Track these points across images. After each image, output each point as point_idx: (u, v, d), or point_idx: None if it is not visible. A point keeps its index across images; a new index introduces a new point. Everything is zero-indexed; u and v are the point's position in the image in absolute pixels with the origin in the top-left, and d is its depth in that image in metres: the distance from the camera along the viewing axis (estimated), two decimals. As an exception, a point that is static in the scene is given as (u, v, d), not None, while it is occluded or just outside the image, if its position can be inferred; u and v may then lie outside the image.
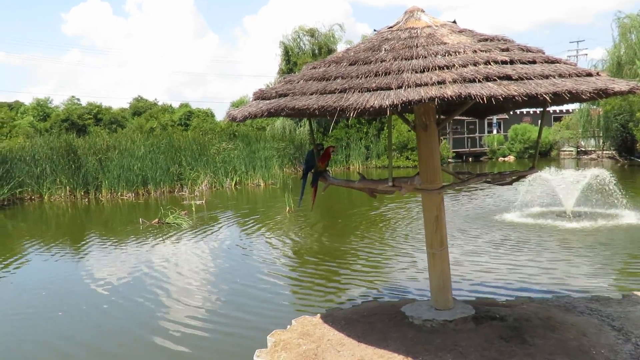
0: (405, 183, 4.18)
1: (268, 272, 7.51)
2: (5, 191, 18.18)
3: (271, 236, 10.32)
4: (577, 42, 52.21)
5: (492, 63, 3.58)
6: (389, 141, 4.24)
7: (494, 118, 36.08)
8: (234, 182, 22.23)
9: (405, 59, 3.78)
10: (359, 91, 3.55)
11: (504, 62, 3.62)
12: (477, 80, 3.39)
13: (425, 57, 3.72)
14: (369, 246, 8.95)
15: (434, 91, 3.36)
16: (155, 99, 52.82)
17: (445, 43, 3.88)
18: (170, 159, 20.85)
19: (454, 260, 7.11)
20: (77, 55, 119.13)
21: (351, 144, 32.99)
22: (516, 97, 3.25)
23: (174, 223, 12.17)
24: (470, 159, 33.77)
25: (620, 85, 3.39)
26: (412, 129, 4.41)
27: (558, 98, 3.35)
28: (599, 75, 3.59)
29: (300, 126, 34.61)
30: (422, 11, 4.20)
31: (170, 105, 48.75)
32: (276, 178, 23.03)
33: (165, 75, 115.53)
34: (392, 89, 3.46)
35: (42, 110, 45.28)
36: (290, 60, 34.15)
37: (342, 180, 4.76)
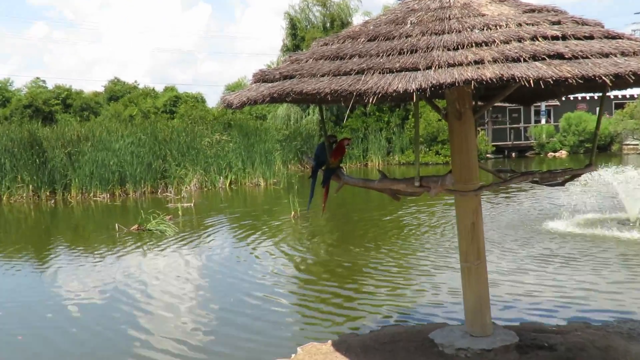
0: (434, 183, 4.17)
1: (269, 290, 7.53)
2: (-45, 191, 18.93)
3: (273, 247, 10.33)
4: (644, 13, 52.04)
5: (540, 39, 3.57)
6: (415, 133, 4.23)
7: (543, 105, 35.67)
8: (228, 181, 22.23)
9: (436, 34, 3.78)
10: (379, 72, 3.54)
11: (554, 38, 3.60)
12: (522, 59, 3.37)
13: (460, 32, 3.71)
14: (390, 259, 8.95)
15: (470, 72, 3.34)
16: (136, 82, 53.31)
17: (483, 15, 3.86)
18: (153, 153, 20.81)
19: (491, 278, 7.02)
20: (43, 29, 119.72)
21: (369, 136, 32.66)
22: (569, 80, 3.23)
23: (156, 230, 12.25)
24: (513, 154, 33.59)
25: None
26: (443, 118, 4.38)
27: (620, 81, 3.31)
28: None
29: (309, 114, 34.05)
30: (456, -24, 4.32)
31: (153, 89, 48.97)
32: (279, 176, 22.98)
33: (147, 54, 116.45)
34: (419, 69, 3.45)
35: (0, 94, 46.12)
36: (297, 35, 33.97)
37: (359, 180, 4.77)
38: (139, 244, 11.16)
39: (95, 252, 10.53)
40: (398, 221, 12.50)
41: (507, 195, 15.86)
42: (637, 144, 32.47)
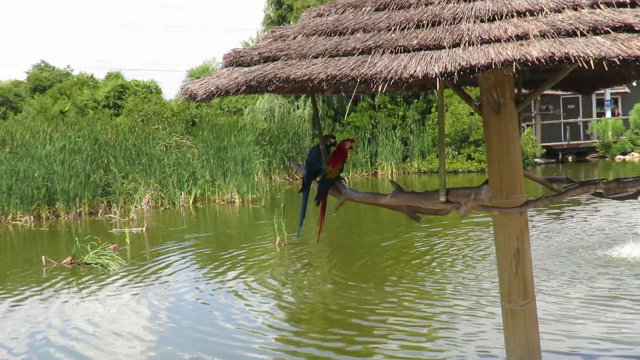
0: (466, 198, 4.16)
1: (245, 346, 7.47)
2: None
3: (250, 286, 10.32)
4: None
5: (602, 5, 3.60)
6: (440, 131, 4.23)
7: (607, 93, 35.68)
8: (192, 197, 22.32)
9: (465, 0, 3.81)
10: (391, 52, 3.55)
11: (620, 5, 3.63)
12: (578, 32, 3.39)
13: (497, -2, 3.92)
14: (406, 301, 8.96)
15: (510, 51, 3.35)
16: (68, 67, 53.31)
17: (527, -26, 4.04)
18: (91, 161, 20.84)
19: (540, 319, 7.02)
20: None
21: (379, 136, 33.20)
22: (642, 60, 3.40)
23: (96, 264, 12.24)
24: (569, 157, 33.98)
25: None
26: (476, 112, 4.38)
27: None
28: None
29: (298, 108, 34.32)
30: None
31: (92, 77, 49.07)
32: (260, 191, 22.96)
33: (83, 30, 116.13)
34: (443, 47, 3.47)
35: None
36: (283, 4, 34.30)
37: (366, 194, 4.74)
38: (72, 282, 11.09)
39: (13, 294, 10.42)
40: (417, 248, 12.40)
41: (560, 211, 15.82)
42: None
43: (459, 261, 11.10)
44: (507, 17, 3.59)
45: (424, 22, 3.74)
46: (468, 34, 3.51)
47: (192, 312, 9.20)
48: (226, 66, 4.27)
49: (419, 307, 8.74)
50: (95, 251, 12.58)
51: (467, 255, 11.48)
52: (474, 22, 3.60)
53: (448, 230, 14.04)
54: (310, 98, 4.51)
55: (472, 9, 3.71)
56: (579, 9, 3.60)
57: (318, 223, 5.18)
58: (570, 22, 3.45)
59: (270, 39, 4.34)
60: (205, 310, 9.19)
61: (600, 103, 36.64)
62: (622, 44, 3.30)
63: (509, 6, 3.67)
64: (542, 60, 3.25)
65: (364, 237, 14.40)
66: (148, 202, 21.11)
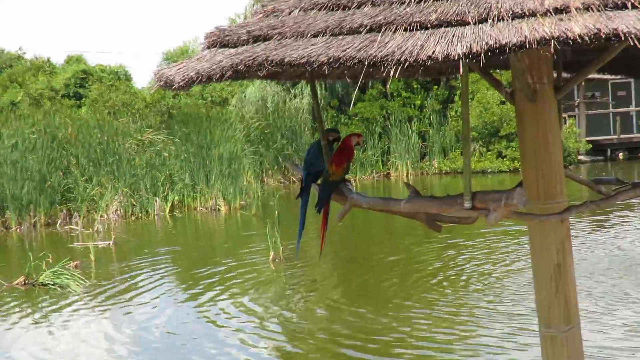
0: (496, 203, 4.10)
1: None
2: None
3: (238, 313, 10.30)
4: None
5: (658, -28, 3.72)
6: (464, 124, 4.17)
7: (665, 77, 36.20)
8: (169, 204, 22.45)
9: (493, -33, 3.97)
10: (405, 29, 3.54)
11: (681, -29, 3.75)
12: (629, 4, 3.37)
13: (531, -37, 3.90)
14: (420, 329, 8.92)
15: (548, 27, 3.36)
16: (20, 50, 53.67)
17: None
18: (48, 162, 20.88)
19: (586, 345, 7.05)
20: None
21: (392, 130, 33.34)
22: None
23: (54, 284, 12.25)
24: (620, 154, 34.03)
25: None
26: (507, 100, 4.37)
27: None
28: None
29: (295, 97, 34.57)
30: None
31: (48, 61, 49.41)
32: (250, 197, 23.16)
33: (38, 7, 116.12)
34: (468, 23, 3.45)
35: None
36: (275, -27, 36.68)
37: (377, 200, 4.69)
38: (26, 306, 11.08)
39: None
40: (434, 263, 12.44)
41: (605, 217, 15.86)
42: None
43: (485, 279, 11.10)
44: (544, -13, 3.72)
45: (444, -7, 3.88)
46: (497, 7, 3.48)
47: (164, 343, 9.11)
48: (209, 47, 4.31)
49: (434, 338, 8.68)
50: (53, 269, 12.58)
51: (494, 273, 11.45)
52: (504, -7, 3.76)
53: (471, 242, 14.01)
54: (309, 85, 4.55)
55: (501, -23, 3.86)
56: (629, -23, 3.67)
57: (320, 235, 5.21)
58: (620, -9, 3.60)
59: (261, 15, 4.35)
60: (176, 343, 9.12)
61: (657, 89, 38.37)
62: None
63: (546, -26, 3.80)
64: (586, 38, 3.21)
65: (372, 251, 14.49)
66: (116, 210, 21.13)
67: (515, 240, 13.70)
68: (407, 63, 3.54)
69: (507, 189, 4.10)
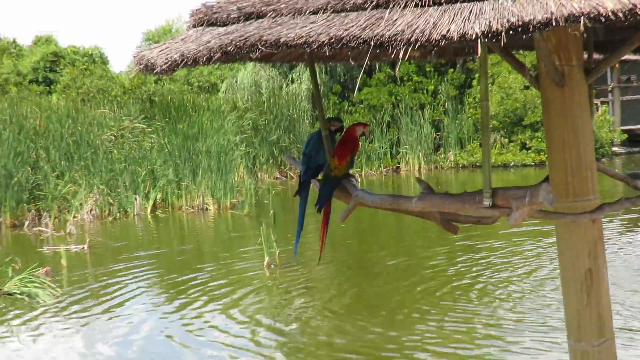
0: (519, 200, 4.09)
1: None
2: None
3: (231, 326, 10.29)
4: None
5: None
6: (483, 111, 4.19)
7: None
8: (150, 203, 22.47)
9: None
10: (416, 4, 3.53)
11: None
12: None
13: None
14: (436, 343, 8.89)
15: (577, 2, 3.38)
16: (-19, 29, 53.67)
17: None
18: (14, 155, 20.87)
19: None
20: None
21: (402, 119, 33.50)
22: None
23: (21, 294, 12.24)
24: (659, 145, 36.02)
25: None
26: (532, 85, 4.35)
27: None
28: None
29: (292, 82, 34.98)
30: None
31: (14, 42, 49.55)
32: (242, 194, 23.24)
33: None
34: (486, -2, 3.62)
35: None
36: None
37: (385, 197, 4.69)
38: (-9, 319, 11.72)
39: None
40: (447, 268, 12.45)
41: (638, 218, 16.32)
42: None
43: (506, 288, 11.07)
44: (573, -43, 3.69)
45: (461, -36, 3.87)
46: (520, -20, 3.67)
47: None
48: (194, 26, 4.29)
49: (449, 354, 8.66)
50: (20, 277, 12.58)
51: (516, 280, 11.43)
52: (528, -37, 3.74)
53: (491, 244, 14.03)
54: (308, 69, 4.57)
55: (525, -55, 3.84)
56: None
57: (320, 237, 5.22)
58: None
59: (253, -10, 4.39)
60: None
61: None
62: None
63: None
64: (620, 14, 3.18)
65: (379, 255, 14.45)
66: (91, 210, 21.12)
67: (541, 243, 13.67)
68: (419, 43, 3.53)
69: (532, 185, 4.07)
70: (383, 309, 10.59)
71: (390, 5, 3.65)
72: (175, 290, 12.54)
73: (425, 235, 15.47)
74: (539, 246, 13.60)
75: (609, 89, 33.86)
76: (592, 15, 3.29)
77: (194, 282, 12.81)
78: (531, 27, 3.24)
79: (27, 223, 20.16)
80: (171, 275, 13.80)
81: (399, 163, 33.07)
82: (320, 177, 5.09)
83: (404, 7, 3.64)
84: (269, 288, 12.37)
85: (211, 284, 12.71)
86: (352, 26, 3.67)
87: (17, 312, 11.40)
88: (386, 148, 32.87)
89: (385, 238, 16.79)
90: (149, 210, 22.16)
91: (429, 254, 13.87)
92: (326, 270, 13.26)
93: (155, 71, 4.12)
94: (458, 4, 3.57)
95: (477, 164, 30.44)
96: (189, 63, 4.05)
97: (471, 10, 3.48)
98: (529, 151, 30.29)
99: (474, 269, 12.36)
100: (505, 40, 3.37)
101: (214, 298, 11.74)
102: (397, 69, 34.06)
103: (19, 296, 12.20)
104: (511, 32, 3.35)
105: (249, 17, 4.12)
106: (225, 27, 4.09)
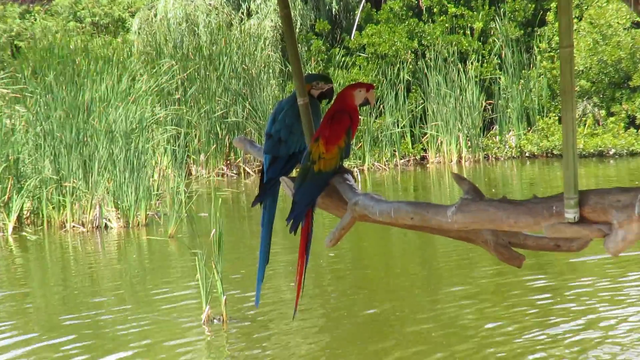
0: (623, 211, 3.85)
1: None
2: None
3: None
4: None
5: None
6: (563, 65, 4.04)
7: None
8: (13, 217, 21.02)
9: None
10: None
11: None
12: None
13: None
14: None
15: None
16: None
17: None
18: None
19: None
20: None
21: (431, 78, 30.26)
22: None
23: None
24: None
25: None
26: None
27: None
28: None
29: (250, 15, 31.90)
30: None
31: None
32: (165, 202, 22.19)
33: None
34: None
35: None
36: None
37: (403, 207, 4.50)
38: None
39: None
40: (504, 326, 12.36)
41: None
42: None
43: (599, 352, 10.98)
44: None
45: None
46: None
47: None
48: None
49: None
50: None
51: (616, 340, 11.55)
52: None
53: (571, 282, 13.65)
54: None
55: None
56: None
57: (296, 272, 5.19)
58: None
59: None
60: None
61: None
62: None
63: None
64: None
65: (388, 302, 13.78)
66: None
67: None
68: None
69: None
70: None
71: None
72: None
73: (464, 271, 14.72)
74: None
75: None
76: None
77: (80, 348, 12.35)
78: None
79: None
80: (43, 341, 12.92)
81: (425, 150, 30.89)
82: (295, 173, 5.14)
83: None
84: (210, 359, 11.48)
85: (113, 349, 12.06)
86: None
87: None
88: (404, 125, 30.45)
89: (399, 274, 15.57)
90: (9, 228, 20.90)
91: (475, 305, 13.05)
92: (306, 330, 12.34)
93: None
94: None
95: (555, 152, 29.10)
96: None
97: None
98: (640, 130, 24.48)
99: (545, 323, 11.96)
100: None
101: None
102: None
103: None
104: None
105: None
106: None
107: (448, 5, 30.78)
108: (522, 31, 30.77)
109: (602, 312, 12.35)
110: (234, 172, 29.36)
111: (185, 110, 28.54)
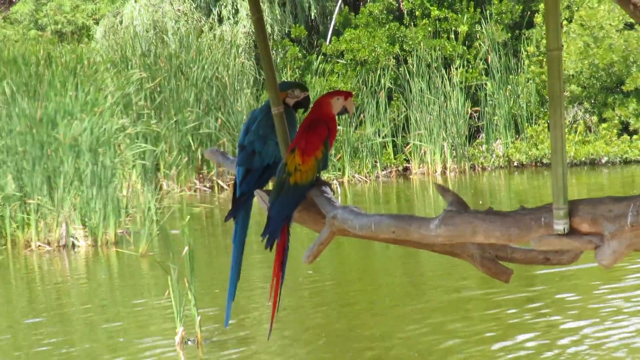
0: (616, 222, 3.85)
1: None
2: None
3: None
4: None
5: None
6: (551, 69, 4.15)
7: None
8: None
9: None
10: None
11: None
12: None
13: None
14: None
15: None
16: None
17: None
18: None
19: None
20: None
21: (414, 85, 29.66)
22: None
23: None
24: None
25: None
26: (638, 21, 4.41)
27: None
28: None
29: (222, 20, 32.48)
30: None
31: None
32: (135, 219, 22.15)
33: None
34: None
35: None
36: None
37: (384, 220, 4.49)
38: None
39: None
40: (492, 345, 12.32)
41: None
42: None
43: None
44: None
45: None
46: None
47: None
48: None
49: None
50: None
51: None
52: None
53: (569, 297, 13.75)
54: None
55: None
56: None
57: (270, 290, 5.16)
58: None
59: None
60: None
61: None
62: None
63: None
64: None
65: (370, 320, 14.03)
66: None
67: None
68: None
69: (638, 195, 3.98)
70: None
71: None
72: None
73: (448, 284, 15.02)
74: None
75: None
76: None
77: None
78: None
79: None
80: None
81: (407, 161, 31.15)
82: (270, 186, 5.12)
83: None
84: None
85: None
86: None
87: None
88: (386, 135, 30.69)
89: (381, 290, 15.80)
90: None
91: (459, 320, 13.16)
92: (281, 351, 12.58)
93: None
94: None
95: (545, 161, 29.34)
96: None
97: None
98: (634, 137, 28.45)
99: (535, 347, 11.86)
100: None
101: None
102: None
103: None
104: None
105: None
106: None
107: (431, 8, 30.90)
108: (509, 34, 31.03)
109: (600, 325, 12.89)
110: (207, 186, 29.31)
111: (154, 122, 28.26)
